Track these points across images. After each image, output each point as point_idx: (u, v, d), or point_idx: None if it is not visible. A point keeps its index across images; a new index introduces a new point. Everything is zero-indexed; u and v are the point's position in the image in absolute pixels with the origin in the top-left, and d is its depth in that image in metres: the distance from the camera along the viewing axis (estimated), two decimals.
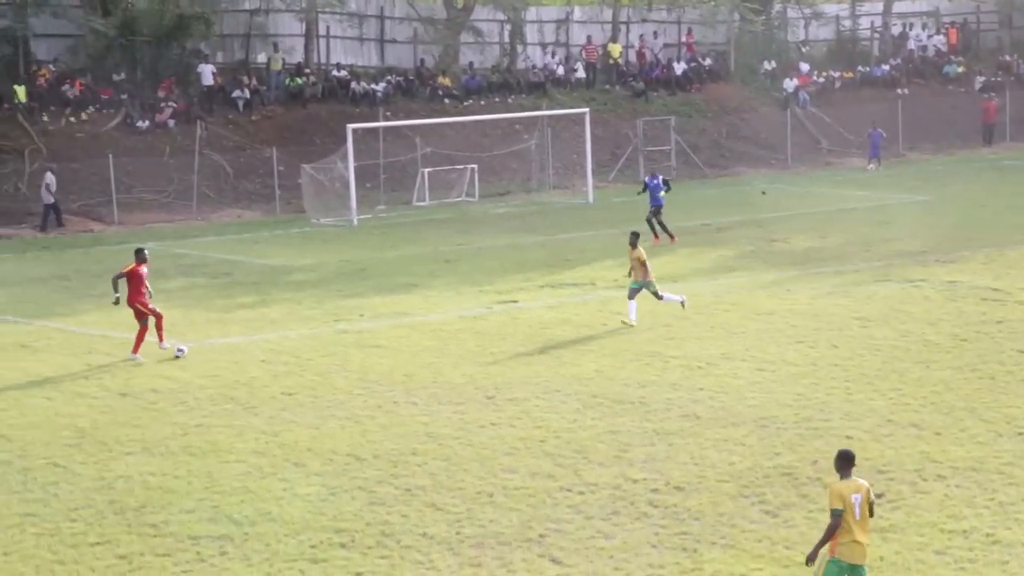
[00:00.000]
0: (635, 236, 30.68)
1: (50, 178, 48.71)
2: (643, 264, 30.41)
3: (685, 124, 62.74)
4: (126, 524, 18.77)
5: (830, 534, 14.65)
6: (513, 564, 17.38)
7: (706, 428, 22.83)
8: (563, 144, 58.67)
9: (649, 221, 42.33)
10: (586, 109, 56.30)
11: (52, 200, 48.65)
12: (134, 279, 27.57)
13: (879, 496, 19.35)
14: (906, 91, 69.05)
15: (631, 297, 30.20)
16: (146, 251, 28.54)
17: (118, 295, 27.84)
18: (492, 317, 31.75)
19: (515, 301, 33.33)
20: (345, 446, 21.93)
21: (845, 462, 14.97)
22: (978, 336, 28.20)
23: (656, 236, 41.91)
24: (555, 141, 58.11)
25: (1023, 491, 19.33)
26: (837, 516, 14.58)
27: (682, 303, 30.97)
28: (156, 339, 27.76)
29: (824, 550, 14.79)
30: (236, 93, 56.62)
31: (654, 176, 43.90)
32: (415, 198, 52.62)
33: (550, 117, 58.10)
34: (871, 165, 61.07)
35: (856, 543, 14.70)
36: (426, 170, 53.06)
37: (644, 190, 43.73)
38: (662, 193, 42.58)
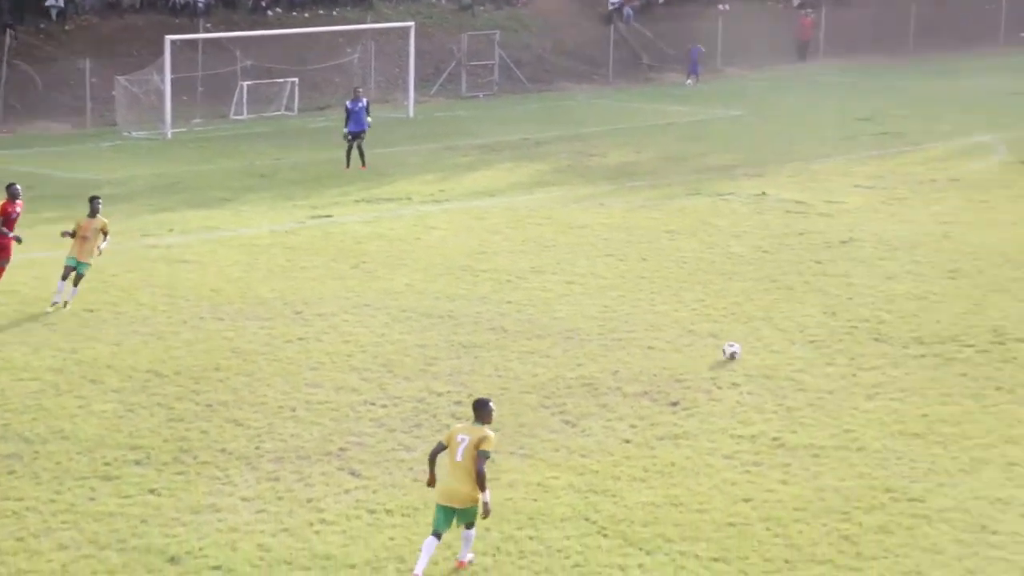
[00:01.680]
0: (96, 201, 25.24)
1: None
2: (99, 236, 24.92)
3: (510, 39, 62.53)
4: None
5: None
6: (312, 478, 17.40)
7: (512, 341, 23.02)
8: (386, 58, 58.09)
9: (349, 148, 39.75)
10: (411, 23, 55.79)
11: None
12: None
13: (674, 404, 19.83)
14: (727, 7, 69.68)
15: (64, 277, 24.54)
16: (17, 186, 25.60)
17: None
18: (304, 232, 31.49)
19: (329, 216, 33.08)
20: (146, 362, 21.63)
21: (475, 409, 15.09)
22: (780, 248, 28.84)
23: (349, 164, 39.77)
24: (379, 55, 57.52)
25: (810, 396, 19.95)
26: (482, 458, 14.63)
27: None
28: None
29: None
30: (49, 1, 54.89)
31: (357, 99, 40.42)
32: (232, 112, 51.67)
33: (374, 31, 57.46)
34: (689, 80, 61.73)
35: (448, 486, 14.79)
36: (245, 83, 52.09)
37: (347, 116, 40.04)
38: (368, 118, 39.92)
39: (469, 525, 14.93)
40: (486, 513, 14.83)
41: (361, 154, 39.86)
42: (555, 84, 61.82)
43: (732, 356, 21.43)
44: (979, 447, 17.92)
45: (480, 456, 14.62)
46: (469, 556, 15.04)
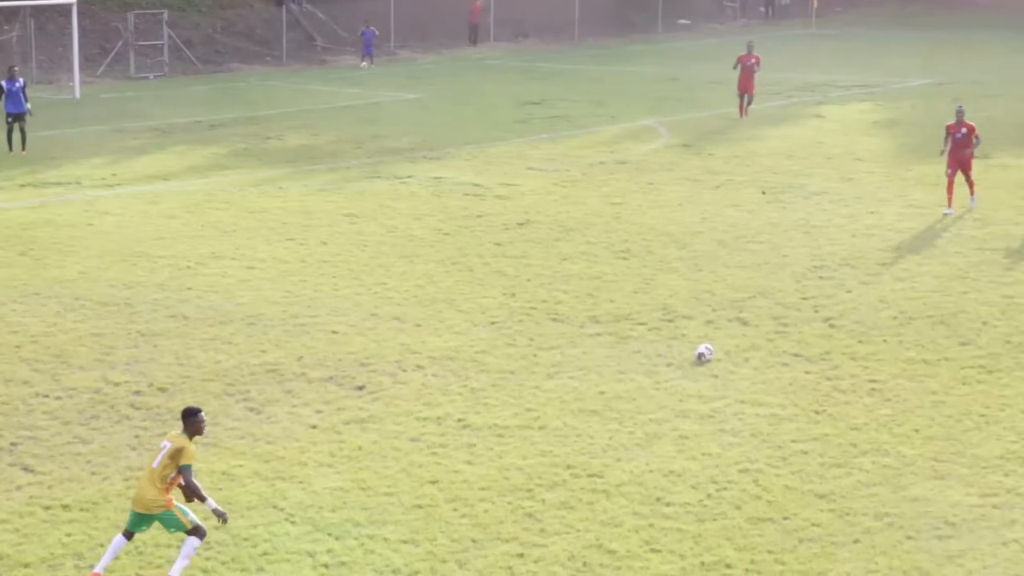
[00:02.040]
0: None
1: None
2: None
3: (179, 19, 61.31)
4: None
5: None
6: None
7: (193, 328, 22.64)
8: (48, 37, 56.16)
9: (10, 131, 38.08)
10: (73, 0, 54.00)
11: None
12: None
13: (360, 388, 19.87)
14: None
15: None
16: None
17: None
18: None
19: None
20: None
21: (182, 418, 14.23)
22: (459, 230, 29.21)
23: (11, 147, 38.08)
24: (39, 33, 55.53)
25: (493, 377, 20.31)
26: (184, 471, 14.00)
27: None
28: None
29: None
30: None
31: (14, 79, 38.48)
32: None
33: (33, 7, 55.35)
34: (364, 63, 61.81)
35: (138, 489, 14.24)
36: None
37: (4, 96, 38.21)
38: (28, 105, 38.15)
39: (189, 531, 14.34)
40: (222, 518, 14.27)
41: (23, 137, 38.34)
42: (227, 65, 60.98)
43: (700, 356, 20.80)
44: (652, 422, 18.57)
45: (182, 471, 14.05)
46: (177, 570, 14.21)
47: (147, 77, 57.03)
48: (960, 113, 30.34)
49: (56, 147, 39.49)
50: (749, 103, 44.46)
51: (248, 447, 17.84)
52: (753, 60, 43.89)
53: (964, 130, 29.97)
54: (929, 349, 21.17)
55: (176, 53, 59.74)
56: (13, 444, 17.68)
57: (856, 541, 15.17)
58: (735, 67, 44.53)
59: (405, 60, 64.90)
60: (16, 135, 38.24)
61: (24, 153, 37.82)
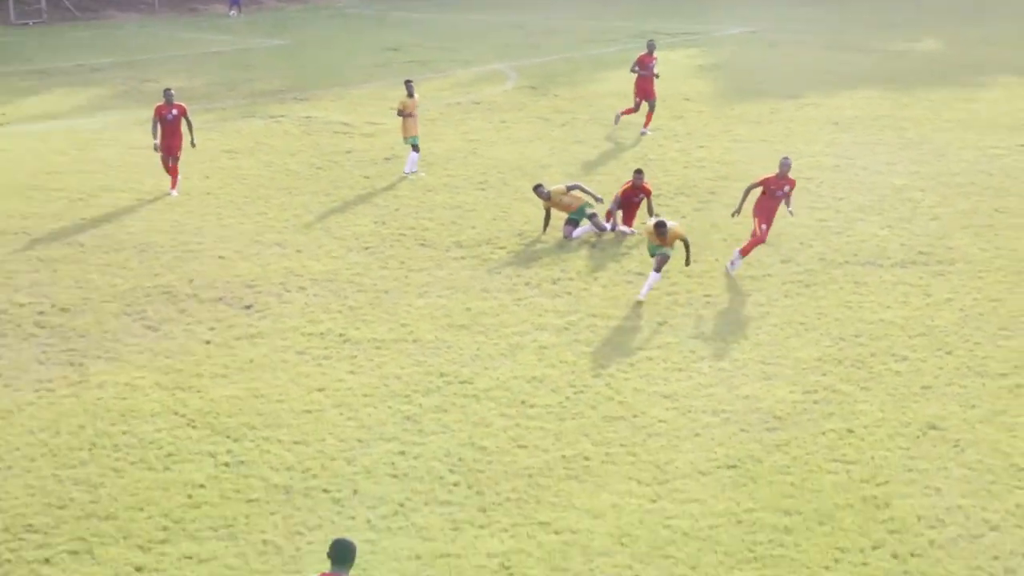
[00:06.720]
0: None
1: None
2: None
3: None
4: None
5: None
6: None
7: (90, 254, 22.42)
8: None
9: None
10: None
11: None
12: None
13: (248, 307, 19.91)
14: None
15: None
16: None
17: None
18: None
19: None
20: None
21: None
22: (331, 165, 29.17)
23: None
24: None
25: (369, 296, 20.49)
26: None
27: None
28: None
29: None
30: None
31: None
32: None
33: None
34: (232, 12, 60.79)
35: None
36: None
37: None
38: None
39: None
40: None
41: None
42: (103, 13, 59.54)
43: None
44: (515, 334, 18.94)
45: None
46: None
47: (27, 24, 55.46)
48: (784, 166, 21.68)
49: None
50: (651, 110, 32.55)
51: (148, 361, 17.85)
52: (653, 62, 32.55)
53: (787, 187, 21.70)
54: (755, 267, 21.82)
55: (54, 2, 58.11)
56: None
57: (697, 435, 15.75)
58: (633, 70, 32.61)
59: (271, 8, 63.94)
60: None
61: None
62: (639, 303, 20.00)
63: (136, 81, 40.90)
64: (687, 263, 20.74)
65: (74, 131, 32.49)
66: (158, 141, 26.13)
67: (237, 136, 32.20)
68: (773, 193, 21.55)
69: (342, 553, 10.15)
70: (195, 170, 28.37)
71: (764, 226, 21.53)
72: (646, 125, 32.51)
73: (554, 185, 24.40)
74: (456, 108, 36.19)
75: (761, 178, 21.77)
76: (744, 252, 21.52)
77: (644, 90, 32.41)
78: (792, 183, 21.72)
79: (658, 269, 20.28)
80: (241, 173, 28.31)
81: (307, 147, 30.95)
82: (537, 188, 23.82)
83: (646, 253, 21.08)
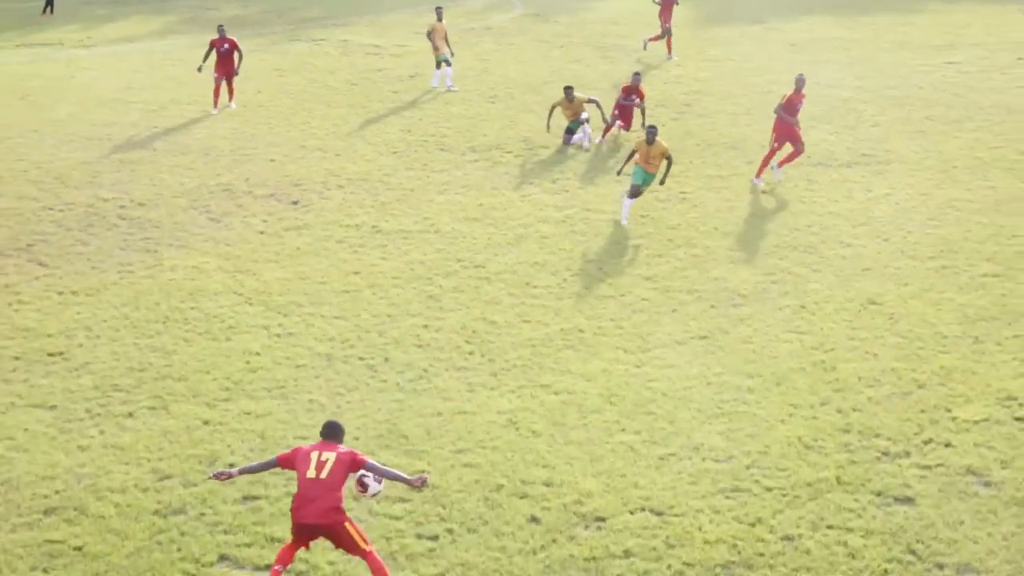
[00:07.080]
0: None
1: None
2: None
3: None
4: None
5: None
6: (6, 268, 16.38)
7: (162, 157, 22.06)
8: None
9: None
10: None
11: None
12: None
13: (295, 203, 19.59)
14: None
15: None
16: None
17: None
18: None
19: None
20: None
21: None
22: (364, 81, 28.59)
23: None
24: None
25: (397, 194, 20.16)
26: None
27: None
28: None
29: None
30: None
31: None
32: None
33: None
34: None
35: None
36: None
37: None
38: None
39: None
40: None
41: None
42: None
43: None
44: (520, 226, 18.64)
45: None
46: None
47: None
48: (800, 82, 20.37)
49: (36, 15, 37.53)
50: (670, 35, 30.87)
51: (211, 248, 17.60)
52: None
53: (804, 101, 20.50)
54: (724, 168, 21.43)
55: None
56: (29, 245, 17.29)
57: (674, 311, 15.54)
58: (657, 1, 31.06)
59: None
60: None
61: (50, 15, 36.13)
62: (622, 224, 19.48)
63: (200, 10, 40.01)
64: (662, 182, 19.36)
65: (148, 52, 31.86)
66: (204, 64, 25.54)
67: (284, 57, 31.56)
68: (795, 108, 20.03)
69: (334, 430, 9.88)
70: (249, 86, 27.81)
71: (798, 141, 20.02)
72: (670, 52, 30.86)
73: (579, 92, 23.58)
74: (470, 32, 35.40)
75: (786, 98, 20.21)
76: (782, 164, 20.35)
77: (665, 17, 30.79)
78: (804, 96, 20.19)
79: (632, 196, 19.09)
80: (288, 88, 27.77)
81: (344, 66, 30.33)
82: (567, 89, 23.01)
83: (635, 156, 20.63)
